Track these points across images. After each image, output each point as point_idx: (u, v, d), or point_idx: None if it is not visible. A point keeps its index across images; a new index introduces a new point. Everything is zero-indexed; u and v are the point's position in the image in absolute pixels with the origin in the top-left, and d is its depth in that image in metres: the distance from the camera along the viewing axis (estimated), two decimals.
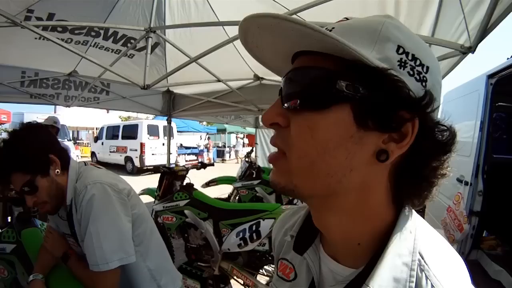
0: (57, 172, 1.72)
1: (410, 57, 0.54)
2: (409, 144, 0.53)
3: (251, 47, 0.65)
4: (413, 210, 0.62)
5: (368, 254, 0.59)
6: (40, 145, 1.68)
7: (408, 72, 0.53)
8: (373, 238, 0.60)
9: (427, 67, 0.55)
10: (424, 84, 0.54)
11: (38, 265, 1.76)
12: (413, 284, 0.53)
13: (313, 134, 0.54)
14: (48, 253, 1.80)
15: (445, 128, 0.57)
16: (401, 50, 0.53)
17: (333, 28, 0.56)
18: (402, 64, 0.53)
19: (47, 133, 1.78)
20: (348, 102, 0.53)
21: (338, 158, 0.54)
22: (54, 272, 1.77)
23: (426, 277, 0.53)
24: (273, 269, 3.58)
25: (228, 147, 27.45)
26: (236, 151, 26.39)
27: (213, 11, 3.61)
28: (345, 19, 0.60)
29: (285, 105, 0.58)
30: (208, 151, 23.89)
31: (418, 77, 0.54)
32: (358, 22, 0.57)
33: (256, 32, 0.59)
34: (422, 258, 0.55)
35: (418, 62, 0.54)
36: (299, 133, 0.56)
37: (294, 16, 2.67)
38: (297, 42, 0.56)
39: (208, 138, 25.95)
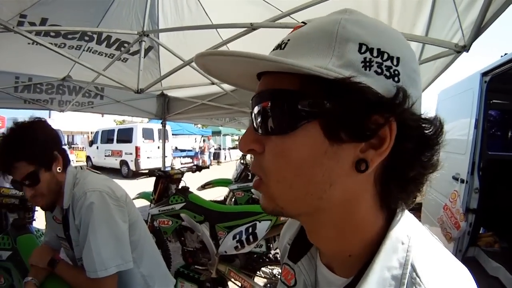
0: (59, 169, 1.74)
1: (375, 54, 0.50)
2: (389, 148, 0.51)
3: (215, 74, 0.65)
4: (409, 216, 0.60)
5: (358, 265, 0.57)
6: (47, 139, 1.71)
7: (376, 71, 0.50)
8: (364, 248, 0.58)
9: (398, 58, 0.51)
10: (396, 78, 0.51)
11: (34, 270, 1.76)
12: None
13: (286, 158, 0.54)
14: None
15: (428, 120, 0.53)
16: (363, 48, 0.50)
17: (288, 40, 0.56)
18: (367, 64, 0.50)
19: (53, 130, 1.79)
20: (315, 119, 0.51)
21: (315, 176, 0.53)
22: (50, 278, 1.77)
23: None
24: (270, 270, 3.59)
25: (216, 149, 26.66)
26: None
27: (206, 13, 3.61)
28: (303, 23, 0.58)
29: (257, 131, 0.57)
30: (203, 153, 23.78)
31: (388, 74, 0.50)
32: (313, 27, 0.55)
33: (212, 63, 0.60)
34: (414, 271, 0.51)
35: (385, 56, 0.51)
36: (273, 158, 0.55)
37: (287, 17, 2.68)
38: (253, 67, 0.56)
39: (204, 141, 25.76)
